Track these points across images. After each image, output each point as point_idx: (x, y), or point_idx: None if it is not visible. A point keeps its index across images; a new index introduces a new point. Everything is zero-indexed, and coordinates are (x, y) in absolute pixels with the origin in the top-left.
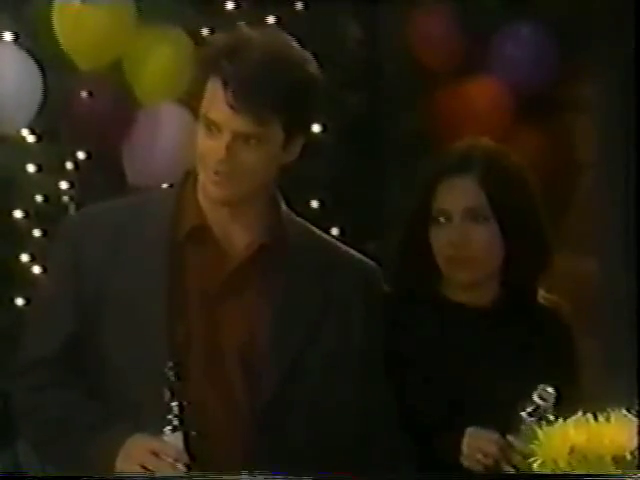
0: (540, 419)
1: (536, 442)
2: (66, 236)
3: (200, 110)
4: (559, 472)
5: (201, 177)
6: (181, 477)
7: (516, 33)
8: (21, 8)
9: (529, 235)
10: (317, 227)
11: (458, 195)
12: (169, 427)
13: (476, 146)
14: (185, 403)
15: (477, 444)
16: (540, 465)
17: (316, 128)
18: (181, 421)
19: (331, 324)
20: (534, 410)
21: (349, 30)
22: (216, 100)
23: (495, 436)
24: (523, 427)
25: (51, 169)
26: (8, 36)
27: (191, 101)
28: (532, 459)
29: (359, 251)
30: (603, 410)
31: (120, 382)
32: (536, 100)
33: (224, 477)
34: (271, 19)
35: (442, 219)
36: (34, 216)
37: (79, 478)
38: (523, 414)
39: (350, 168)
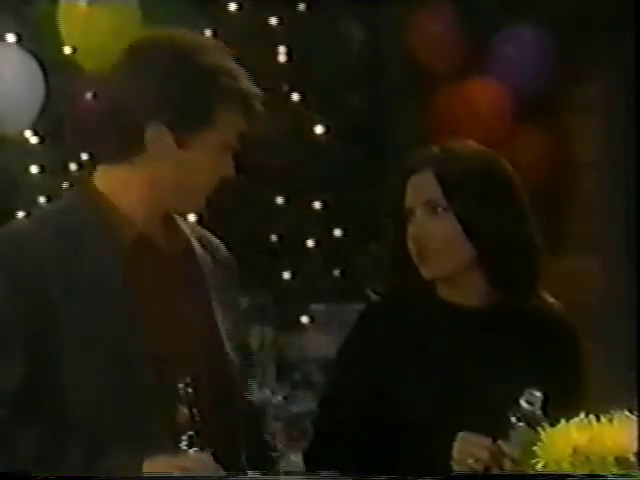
0: (529, 424)
1: (539, 444)
2: None
3: (213, 137)
4: (556, 473)
5: (167, 193)
6: (184, 478)
7: (517, 34)
8: (24, 9)
9: (501, 234)
10: (320, 228)
11: (417, 191)
12: (193, 448)
13: (443, 146)
14: (198, 419)
15: (468, 449)
16: (543, 467)
17: (319, 129)
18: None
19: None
20: (523, 415)
21: (351, 31)
22: (237, 127)
23: (487, 441)
24: (512, 432)
25: (54, 170)
26: (11, 37)
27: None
28: (534, 460)
29: (362, 252)
30: (606, 412)
31: (88, 408)
32: (537, 101)
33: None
34: (273, 20)
35: (410, 217)
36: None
37: (80, 478)
38: (512, 419)
39: (352, 169)
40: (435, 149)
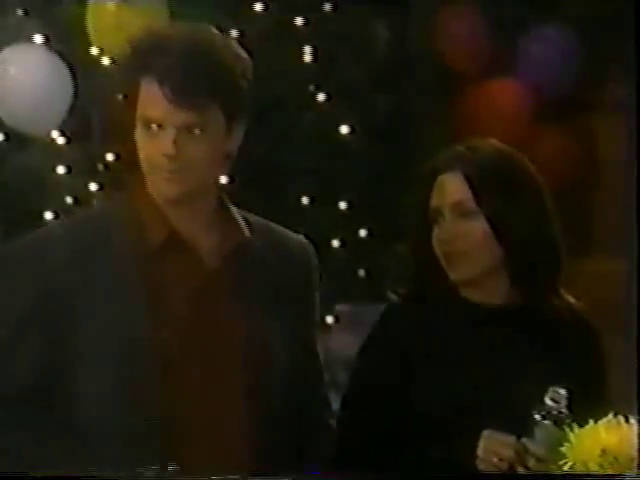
0: (555, 421)
1: (567, 444)
2: (23, 263)
3: (137, 113)
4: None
5: (150, 180)
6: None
7: (543, 34)
8: (52, 10)
9: (529, 235)
10: (345, 228)
11: (446, 191)
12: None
13: (469, 145)
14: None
15: (493, 447)
16: (571, 467)
17: (344, 129)
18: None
19: (299, 310)
20: (547, 412)
21: (377, 31)
22: (153, 98)
23: (511, 440)
24: (537, 430)
25: (81, 171)
26: (39, 38)
27: (127, 107)
28: (563, 461)
29: (387, 252)
30: (635, 412)
31: (101, 411)
32: (563, 101)
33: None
34: (299, 20)
35: (438, 218)
36: (64, 217)
37: (78, 478)
38: (537, 417)
39: (378, 169)
40: (461, 148)
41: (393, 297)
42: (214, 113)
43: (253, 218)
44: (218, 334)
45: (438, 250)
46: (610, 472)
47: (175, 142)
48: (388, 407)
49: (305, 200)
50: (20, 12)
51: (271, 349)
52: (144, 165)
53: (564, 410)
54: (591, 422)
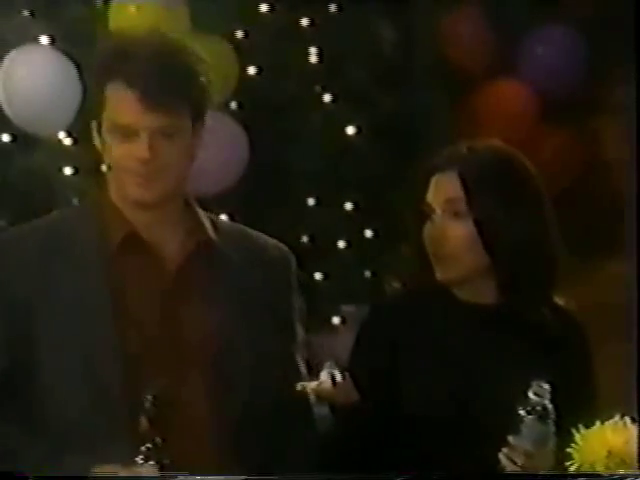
0: (540, 416)
1: (573, 445)
2: None
3: (103, 119)
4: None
5: (118, 184)
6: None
7: (546, 34)
8: (58, 11)
9: (518, 244)
10: (350, 229)
11: (440, 189)
12: (149, 460)
13: (470, 145)
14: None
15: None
16: (577, 468)
17: (350, 130)
18: (157, 451)
19: (271, 312)
20: (532, 407)
21: (382, 32)
22: (123, 103)
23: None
24: (522, 426)
25: (87, 171)
26: (45, 39)
27: (94, 113)
28: (569, 462)
29: (393, 253)
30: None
31: (66, 409)
32: (567, 101)
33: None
34: (305, 21)
35: (431, 215)
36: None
37: (79, 478)
38: (521, 412)
39: (384, 170)
40: (462, 148)
41: (392, 287)
42: (183, 115)
43: (223, 222)
44: (182, 333)
45: (427, 247)
46: (616, 473)
47: (150, 146)
48: (376, 406)
49: (311, 201)
50: (26, 13)
51: (236, 349)
52: (114, 168)
53: (548, 404)
54: (598, 423)
